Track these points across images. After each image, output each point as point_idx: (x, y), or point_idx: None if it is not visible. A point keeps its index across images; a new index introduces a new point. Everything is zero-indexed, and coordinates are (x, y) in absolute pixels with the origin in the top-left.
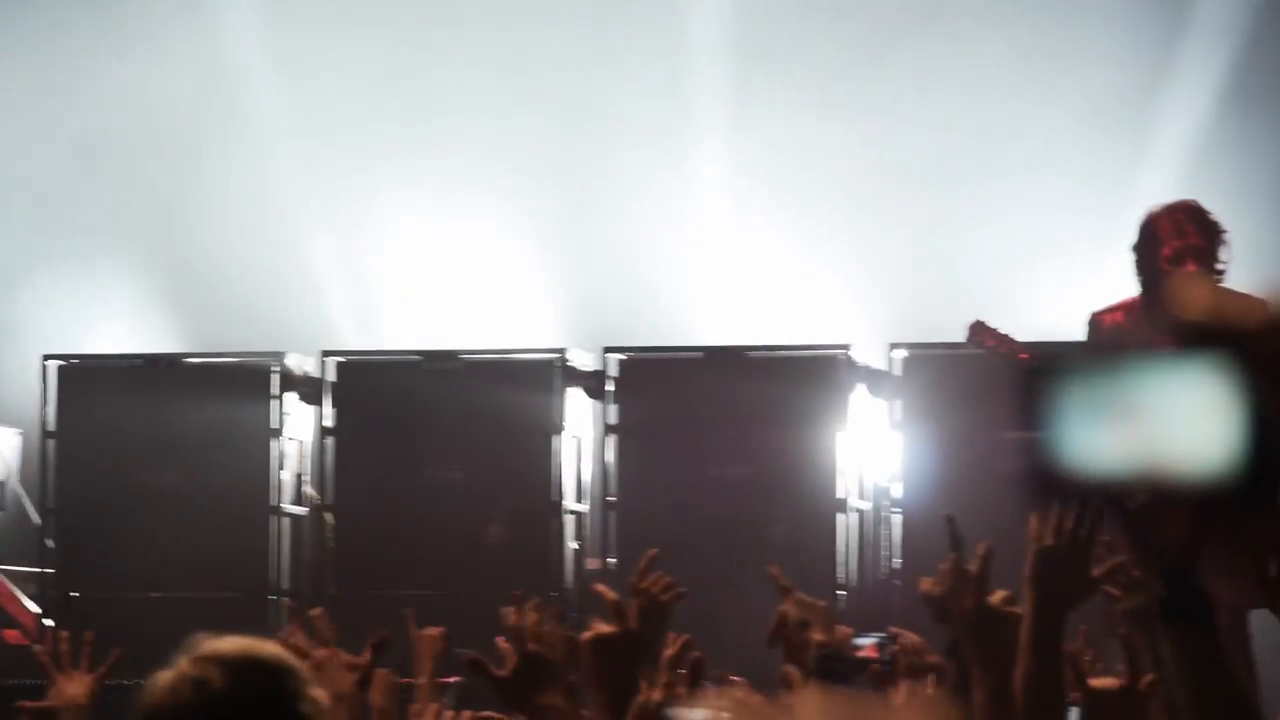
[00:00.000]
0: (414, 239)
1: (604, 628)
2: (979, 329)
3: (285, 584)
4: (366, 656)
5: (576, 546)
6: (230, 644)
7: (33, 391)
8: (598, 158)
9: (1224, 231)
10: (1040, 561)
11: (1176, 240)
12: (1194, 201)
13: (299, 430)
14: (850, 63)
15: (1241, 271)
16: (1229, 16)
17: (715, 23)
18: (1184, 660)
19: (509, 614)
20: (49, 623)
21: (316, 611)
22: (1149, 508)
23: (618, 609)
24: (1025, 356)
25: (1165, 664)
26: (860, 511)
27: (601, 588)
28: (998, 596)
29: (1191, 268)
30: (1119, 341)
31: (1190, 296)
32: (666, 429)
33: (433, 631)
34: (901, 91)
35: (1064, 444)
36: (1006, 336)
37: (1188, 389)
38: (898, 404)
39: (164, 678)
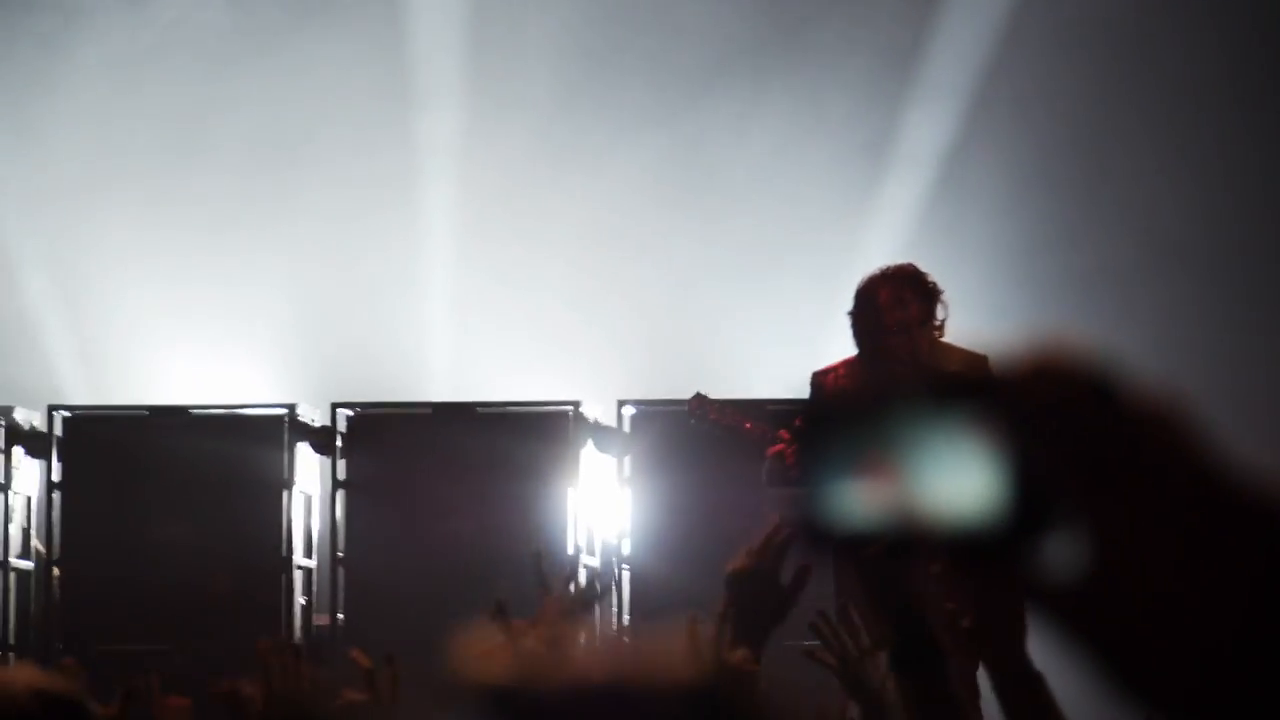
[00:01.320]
0: (143, 294)
1: (355, 695)
2: (700, 402)
3: (12, 639)
4: (116, 708)
5: (305, 602)
6: (19, 677)
7: None
8: (328, 213)
9: (940, 292)
10: (732, 582)
11: (897, 311)
12: (910, 266)
13: (26, 485)
14: (580, 118)
15: (962, 324)
16: (958, 71)
17: (447, 74)
18: (913, 706)
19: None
20: None
21: (68, 661)
22: (886, 558)
23: (371, 677)
24: (749, 426)
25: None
26: (589, 567)
27: (358, 653)
28: (738, 655)
29: (914, 334)
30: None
31: (944, 356)
32: (395, 484)
33: (178, 703)
34: (634, 151)
35: (828, 497)
36: (728, 408)
37: (944, 440)
38: (626, 460)
39: None
